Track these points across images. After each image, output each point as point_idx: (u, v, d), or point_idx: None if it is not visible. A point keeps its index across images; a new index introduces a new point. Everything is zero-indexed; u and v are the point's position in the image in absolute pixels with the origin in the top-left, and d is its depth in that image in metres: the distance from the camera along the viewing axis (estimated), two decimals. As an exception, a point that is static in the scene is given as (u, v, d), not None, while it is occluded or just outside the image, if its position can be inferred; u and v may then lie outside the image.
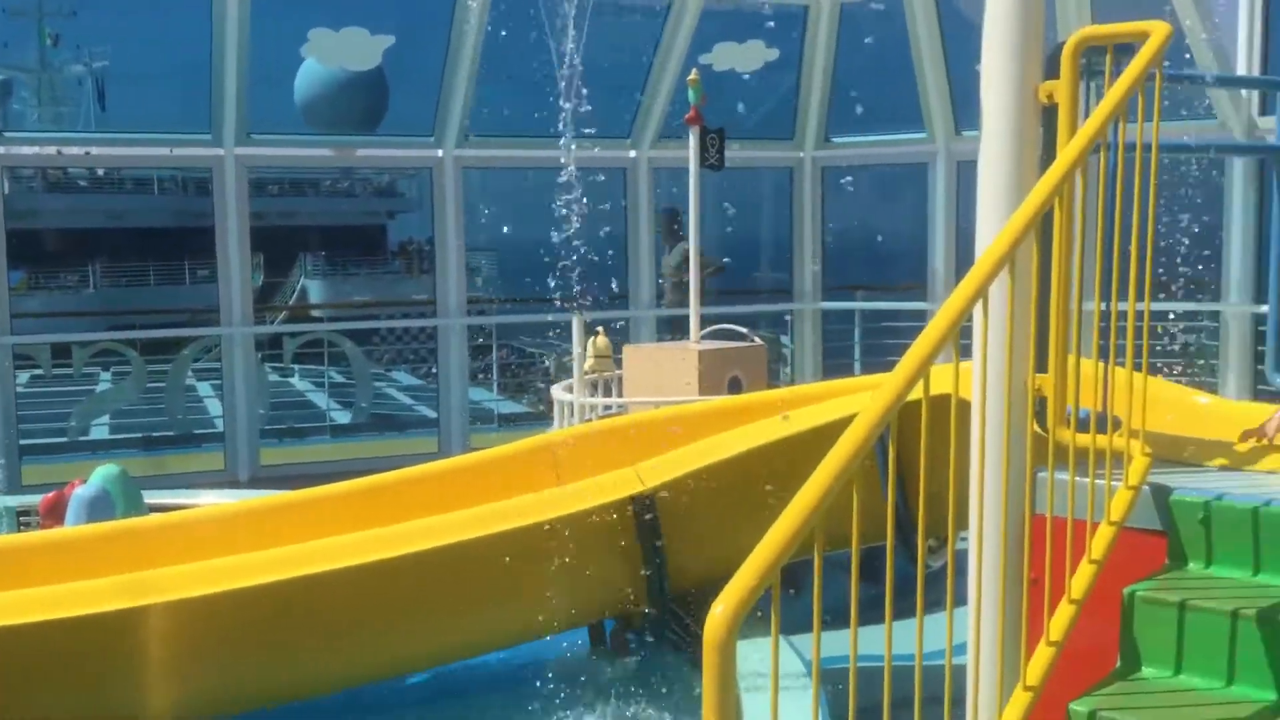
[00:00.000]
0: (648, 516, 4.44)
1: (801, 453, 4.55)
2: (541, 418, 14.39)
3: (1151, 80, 3.19)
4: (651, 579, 4.50)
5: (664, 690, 4.53)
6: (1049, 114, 3.36)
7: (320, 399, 15.19)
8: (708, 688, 1.82)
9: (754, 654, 4.09)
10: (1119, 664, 3.02)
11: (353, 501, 4.91)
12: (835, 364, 11.60)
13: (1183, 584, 3.07)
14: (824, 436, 4.52)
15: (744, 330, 7.12)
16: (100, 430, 13.39)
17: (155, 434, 11.56)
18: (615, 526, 4.46)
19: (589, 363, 6.80)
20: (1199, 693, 2.86)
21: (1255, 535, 3.09)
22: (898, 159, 11.17)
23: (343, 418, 14.21)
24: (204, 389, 15.36)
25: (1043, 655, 2.81)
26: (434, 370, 10.84)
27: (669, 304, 10.53)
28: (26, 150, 10.33)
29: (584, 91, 7.28)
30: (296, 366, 18.64)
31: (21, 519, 6.78)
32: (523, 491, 4.89)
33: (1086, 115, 3.23)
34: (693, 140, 7.21)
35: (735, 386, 6.63)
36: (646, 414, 5.57)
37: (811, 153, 10.89)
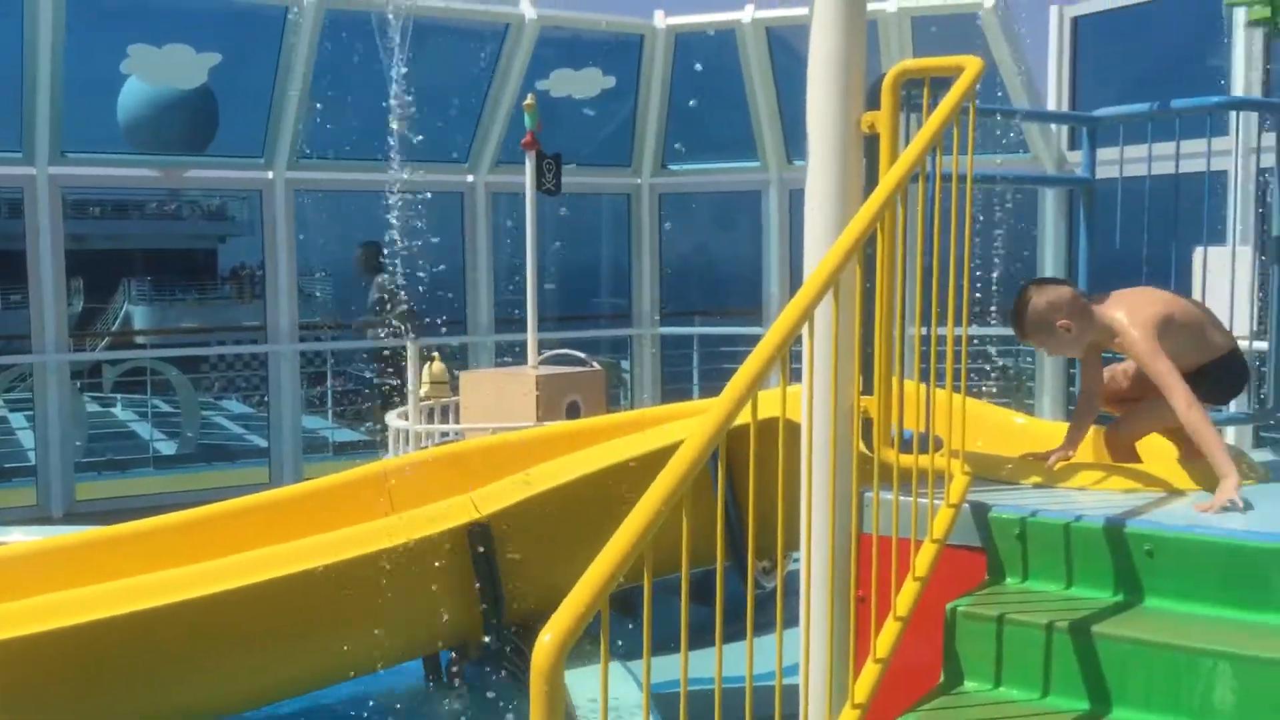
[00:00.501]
0: (483, 545, 4.37)
1: (640, 477, 4.58)
2: (377, 446, 14.10)
3: (966, 113, 3.32)
4: (487, 608, 4.43)
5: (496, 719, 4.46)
6: (871, 143, 3.46)
7: (144, 429, 14.56)
8: (535, 716, 1.80)
9: (592, 681, 4.07)
10: (942, 679, 3.10)
11: (177, 534, 4.70)
12: (674, 389, 11.71)
13: (1001, 599, 3.18)
14: (663, 460, 4.56)
15: (582, 355, 7.12)
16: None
17: (-40, 469, 10.93)
18: (450, 555, 4.38)
19: (424, 389, 6.70)
20: (1017, 704, 2.96)
21: (1067, 550, 3.22)
22: (733, 186, 11.38)
23: (168, 449, 13.67)
24: (17, 420, 14.58)
25: (870, 672, 2.87)
26: (265, 398, 10.53)
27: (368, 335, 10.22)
28: None
29: (416, 115, 7.20)
30: (119, 396, 17.86)
31: None
32: (355, 521, 4.76)
33: (906, 145, 3.34)
34: (529, 165, 7.20)
35: (574, 411, 6.62)
36: (482, 440, 5.51)
37: (649, 179, 11.01)
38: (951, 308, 3.28)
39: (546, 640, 1.81)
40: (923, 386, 3.41)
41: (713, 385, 11.54)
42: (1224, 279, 4.76)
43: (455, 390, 6.99)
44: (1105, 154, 4.64)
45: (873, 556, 3.06)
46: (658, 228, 11.05)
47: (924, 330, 3.32)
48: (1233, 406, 4.62)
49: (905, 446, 3.36)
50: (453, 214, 10.52)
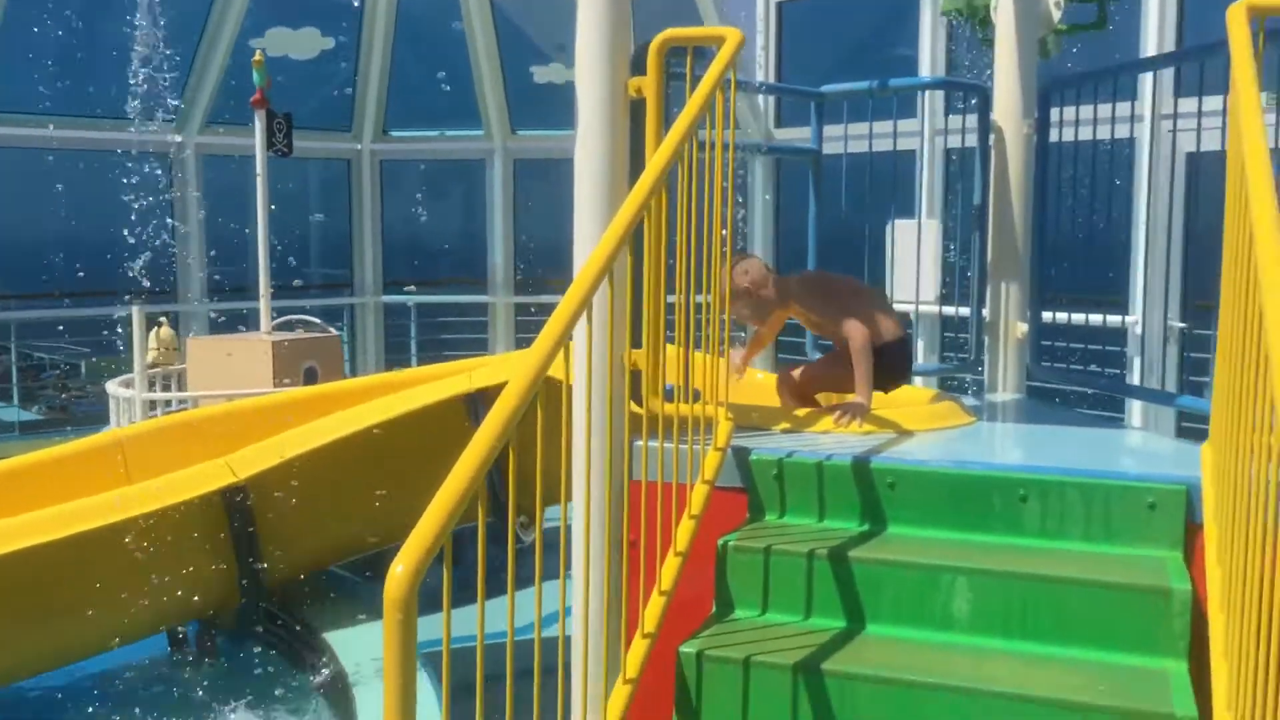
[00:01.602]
0: (240, 509, 4.27)
1: (395, 438, 4.60)
2: (61, 424, 13.20)
3: (727, 84, 3.54)
4: (246, 574, 4.33)
5: (260, 688, 4.37)
6: (636, 107, 3.63)
7: None
8: (390, 646, 1.85)
9: (365, 639, 4.08)
10: (715, 609, 3.33)
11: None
12: (392, 358, 11.61)
13: (764, 533, 3.44)
14: (417, 420, 4.60)
15: (318, 321, 6.97)
16: None
17: None
18: (208, 521, 4.26)
19: (152, 355, 6.37)
20: (784, 626, 3.23)
21: (820, 486, 3.52)
22: (456, 154, 11.35)
23: None
24: None
25: (656, 604, 3.05)
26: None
27: None
28: None
29: (130, 70, 6.81)
30: None
31: None
32: (93, 492, 4.52)
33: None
34: (259, 124, 6.95)
35: (311, 376, 6.48)
36: (221, 407, 5.33)
37: (370, 145, 10.82)
38: (716, 275, 3.49)
39: (400, 571, 1.87)
40: (681, 349, 3.63)
41: (432, 355, 11.52)
42: (912, 249, 5.27)
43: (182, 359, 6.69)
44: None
45: (642, 500, 3.24)
46: (379, 195, 10.88)
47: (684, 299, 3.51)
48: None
49: (669, 400, 3.57)
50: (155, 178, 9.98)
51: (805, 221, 5.02)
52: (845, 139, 4.85)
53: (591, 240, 3.59)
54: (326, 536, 4.39)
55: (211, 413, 5.31)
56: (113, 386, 6.43)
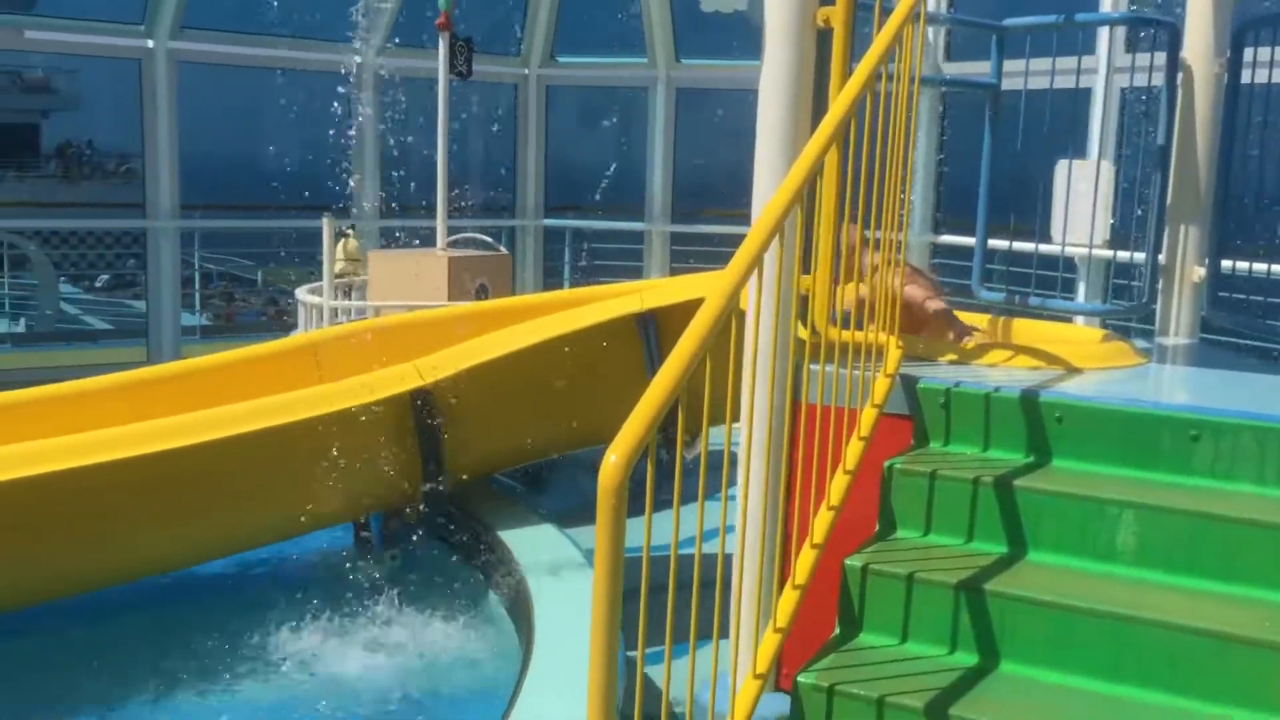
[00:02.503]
0: (427, 410, 4.56)
1: (568, 353, 4.82)
2: (226, 330, 13.89)
3: (916, 17, 3.59)
4: (428, 473, 4.63)
5: (437, 584, 4.67)
6: (824, 37, 3.71)
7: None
8: (602, 528, 2.03)
9: (540, 541, 4.34)
10: (879, 528, 3.47)
11: (110, 396, 4.72)
12: (548, 281, 11.89)
13: (929, 458, 3.54)
14: (590, 337, 4.81)
15: (489, 240, 7.24)
16: None
17: None
18: (397, 420, 4.56)
19: (339, 265, 6.73)
20: (945, 548, 3.34)
21: (986, 417, 3.60)
22: (620, 81, 11.47)
23: (15, 327, 13.16)
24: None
25: (824, 518, 3.20)
26: (138, 279, 10.25)
27: None
28: None
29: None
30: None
31: None
32: (288, 388, 4.86)
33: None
34: (442, 47, 7.20)
35: (483, 293, 6.76)
36: (405, 316, 5.64)
37: (537, 70, 11.02)
38: (894, 207, 3.57)
39: (613, 460, 2.04)
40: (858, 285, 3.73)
41: (585, 279, 11.76)
42: (1085, 189, 5.21)
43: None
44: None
45: (817, 418, 3.37)
46: (544, 120, 11.09)
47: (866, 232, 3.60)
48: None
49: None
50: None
51: (970, 159, 5.02)
52: (1025, 75, 4.82)
53: (773, 169, 3.70)
54: (501, 442, 4.66)
55: (398, 321, 5.62)
56: (302, 293, 6.83)
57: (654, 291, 4.79)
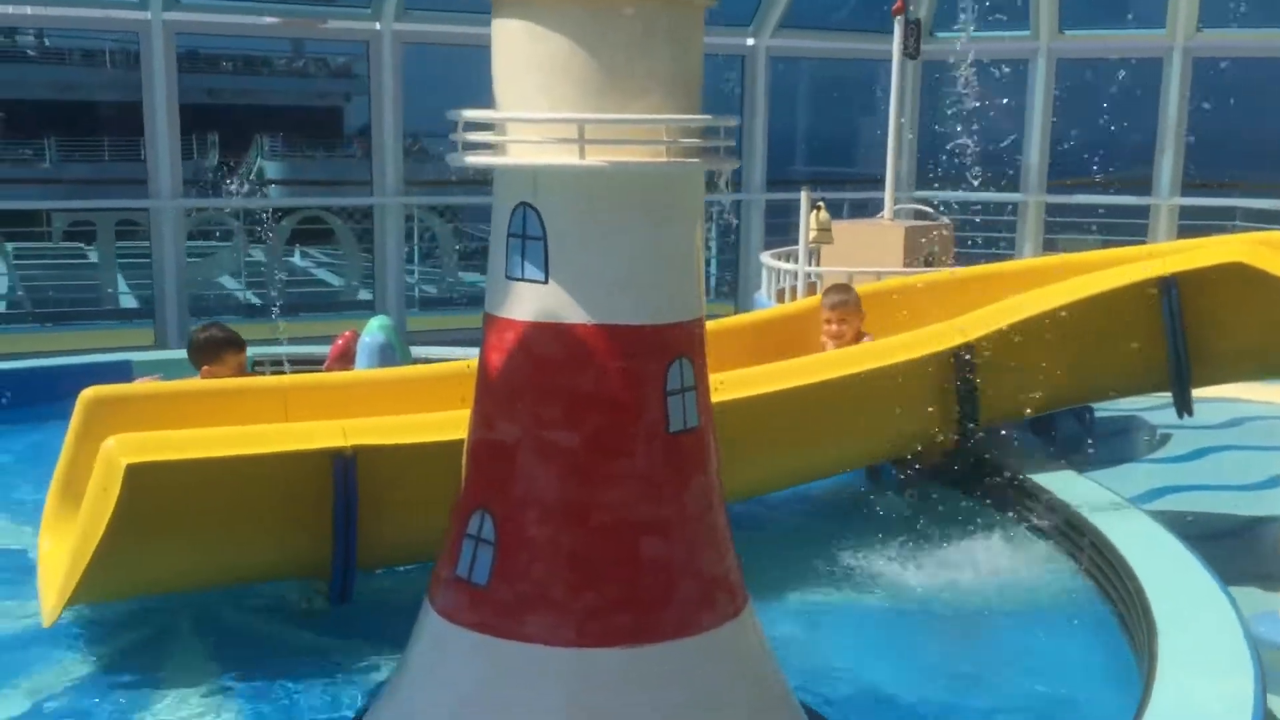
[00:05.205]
0: (966, 365, 5.02)
1: (1086, 315, 5.14)
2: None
3: None
4: (962, 424, 5.10)
5: (961, 526, 5.07)
6: None
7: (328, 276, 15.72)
8: None
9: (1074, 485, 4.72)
10: None
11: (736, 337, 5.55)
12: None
13: None
14: (1117, 298, 5.12)
15: (930, 209, 7.61)
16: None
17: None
18: (940, 372, 5.05)
19: (813, 234, 7.26)
20: None
21: None
22: (1001, 54, 11.50)
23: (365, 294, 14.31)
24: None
25: None
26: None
27: None
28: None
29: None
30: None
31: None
32: (800, 352, 5.46)
33: None
34: (897, 31, 7.60)
35: (930, 261, 7.15)
36: (918, 277, 6.10)
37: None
38: None
39: None
40: None
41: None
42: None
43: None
44: None
45: None
46: (917, 96, 11.32)
47: None
48: None
49: None
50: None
51: None
52: None
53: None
54: (1030, 395, 5.10)
55: (941, 277, 6.06)
56: (767, 258, 7.43)
57: (1178, 257, 5.04)
